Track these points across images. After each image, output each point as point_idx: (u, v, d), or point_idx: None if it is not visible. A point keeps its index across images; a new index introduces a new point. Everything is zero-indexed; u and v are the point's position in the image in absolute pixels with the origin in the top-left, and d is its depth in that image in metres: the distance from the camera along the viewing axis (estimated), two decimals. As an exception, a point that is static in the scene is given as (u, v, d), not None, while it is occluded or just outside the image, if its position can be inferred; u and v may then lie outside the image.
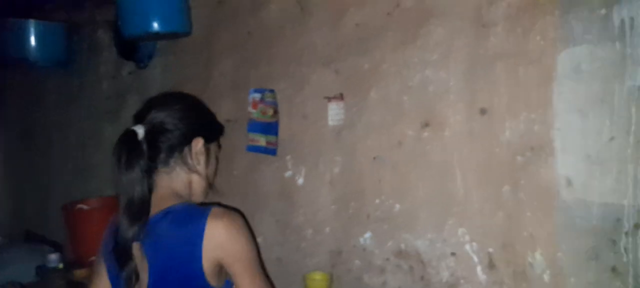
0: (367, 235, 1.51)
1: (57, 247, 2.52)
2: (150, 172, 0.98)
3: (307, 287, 1.47)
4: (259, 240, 1.79)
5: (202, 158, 1.04)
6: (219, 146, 1.15)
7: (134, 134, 0.97)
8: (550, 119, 1.21)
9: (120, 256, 0.95)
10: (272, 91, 1.72)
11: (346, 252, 1.55)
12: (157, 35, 1.95)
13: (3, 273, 2.45)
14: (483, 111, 1.30)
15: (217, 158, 1.11)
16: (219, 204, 1.02)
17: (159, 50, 2.19)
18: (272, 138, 1.73)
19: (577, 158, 1.18)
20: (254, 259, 0.94)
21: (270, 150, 1.73)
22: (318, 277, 1.39)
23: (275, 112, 1.72)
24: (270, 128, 1.73)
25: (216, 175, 1.12)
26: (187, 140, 1.02)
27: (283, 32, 1.71)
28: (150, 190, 0.98)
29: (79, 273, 2.02)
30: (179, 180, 1.02)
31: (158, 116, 1.00)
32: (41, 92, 2.96)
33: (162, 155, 0.99)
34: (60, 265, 2.16)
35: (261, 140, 1.73)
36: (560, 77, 1.19)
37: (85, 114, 2.65)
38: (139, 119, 1.00)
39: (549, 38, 1.20)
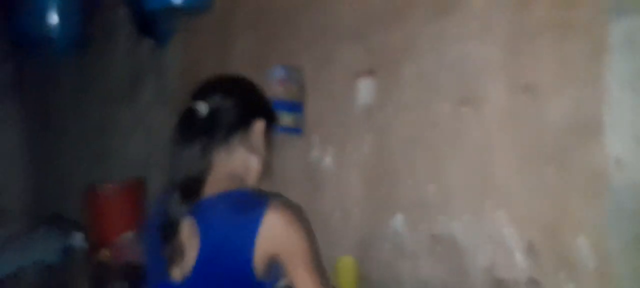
0: (399, 218, 1.46)
1: (80, 228, 2.54)
2: (209, 150, 0.97)
3: (338, 272, 1.43)
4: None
5: (262, 140, 1.03)
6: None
7: (196, 110, 0.97)
8: (601, 95, 1.12)
9: (167, 232, 0.94)
10: (297, 68, 1.66)
11: (376, 237, 1.50)
12: (177, 10, 1.90)
13: (29, 255, 2.49)
14: (526, 88, 1.22)
15: (272, 145, 1.09)
16: (280, 195, 0.99)
17: (178, 29, 2.14)
18: (297, 117, 1.67)
19: (630, 137, 1.09)
20: (313, 255, 0.90)
21: (296, 130, 1.68)
22: (349, 261, 1.35)
23: (301, 90, 1.67)
24: (295, 107, 1.67)
25: (272, 161, 1.10)
26: (249, 121, 1.01)
27: (307, 5, 1.64)
28: (207, 168, 0.97)
29: (104, 252, 2.03)
30: (238, 161, 1.00)
31: (220, 95, 0.99)
32: (58, 76, 2.96)
33: (223, 134, 0.98)
34: (85, 246, 2.18)
35: (286, 120, 1.67)
36: (612, 50, 1.10)
37: (102, 97, 2.65)
38: (198, 97, 1.00)
39: (599, 6, 1.10)
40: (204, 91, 1.01)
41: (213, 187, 0.95)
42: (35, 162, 3.33)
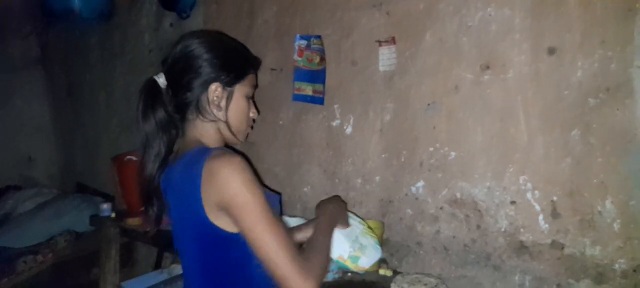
0: (420, 184, 1.47)
1: (107, 198, 2.61)
2: (172, 120, 0.99)
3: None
4: (306, 189, 1.78)
5: (223, 104, 0.99)
6: (255, 85, 1.07)
7: (154, 83, 0.97)
8: (630, 56, 1.11)
9: (144, 197, 1.00)
10: (318, 37, 1.66)
11: (397, 201, 1.52)
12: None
13: (60, 223, 2.58)
14: (551, 50, 1.21)
15: (248, 99, 1.04)
16: (228, 149, 0.97)
17: (200, 0, 2.15)
18: (319, 86, 1.68)
19: (657, 99, 1.08)
20: (255, 204, 0.85)
21: (317, 99, 1.68)
22: (372, 224, 1.36)
23: (322, 59, 1.66)
24: (317, 76, 1.67)
25: (250, 118, 1.05)
26: (205, 87, 0.97)
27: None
28: (174, 138, 1.00)
29: (131, 221, 2.08)
30: (205, 127, 1.00)
31: (175, 65, 0.98)
32: (85, 47, 3.00)
33: (185, 104, 0.98)
34: (113, 215, 2.24)
35: (308, 89, 1.68)
36: (643, 10, 1.08)
37: (128, 68, 2.67)
38: (163, 63, 1.01)
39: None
40: (165, 60, 1.00)
41: (179, 153, 0.98)
42: (62, 133, 3.41)
